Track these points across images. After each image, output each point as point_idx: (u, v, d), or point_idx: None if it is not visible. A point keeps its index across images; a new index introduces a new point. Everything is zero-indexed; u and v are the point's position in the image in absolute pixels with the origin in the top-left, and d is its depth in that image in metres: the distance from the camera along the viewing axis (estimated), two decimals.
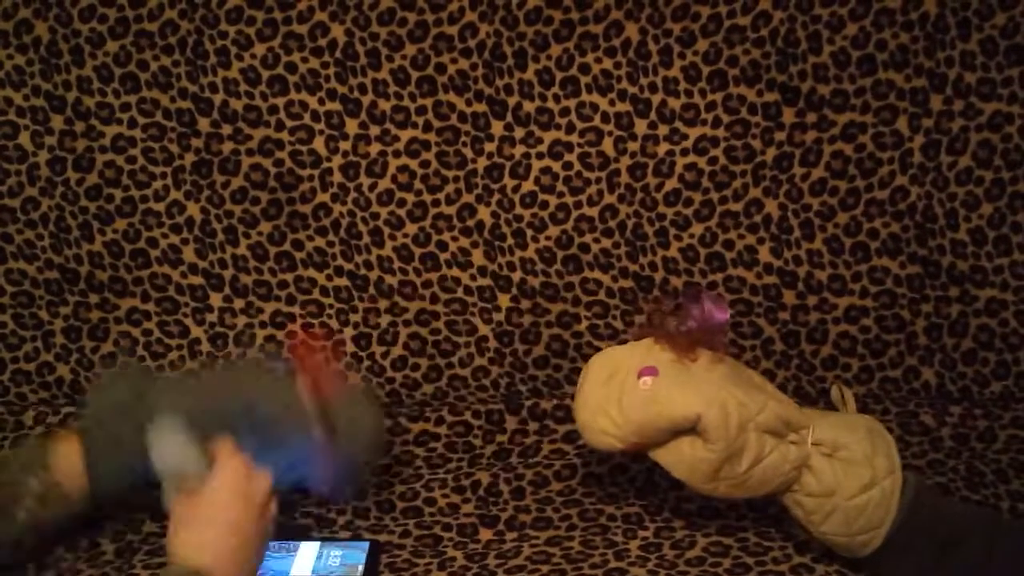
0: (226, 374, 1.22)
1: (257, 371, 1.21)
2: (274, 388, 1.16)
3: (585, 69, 1.31)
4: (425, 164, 1.33)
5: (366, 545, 1.14)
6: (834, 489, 1.07)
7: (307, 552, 1.14)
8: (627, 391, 1.11)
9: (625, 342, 1.21)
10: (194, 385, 1.21)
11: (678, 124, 1.31)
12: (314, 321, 1.36)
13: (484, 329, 1.37)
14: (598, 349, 1.33)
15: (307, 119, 1.32)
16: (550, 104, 1.31)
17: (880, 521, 1.07)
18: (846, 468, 1.08)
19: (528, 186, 1.34)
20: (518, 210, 1.34)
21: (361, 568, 1.12)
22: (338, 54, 1.30)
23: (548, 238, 1.34)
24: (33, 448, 1.17)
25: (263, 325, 1.37)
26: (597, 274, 1.35)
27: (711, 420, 1.07)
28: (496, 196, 1.34)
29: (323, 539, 1.16)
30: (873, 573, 1.10)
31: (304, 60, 1.30)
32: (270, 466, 1.07)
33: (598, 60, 1.30)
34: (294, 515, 1.21)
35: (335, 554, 1.13)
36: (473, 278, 1.36)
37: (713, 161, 1.32)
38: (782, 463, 1.08)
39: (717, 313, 1.12)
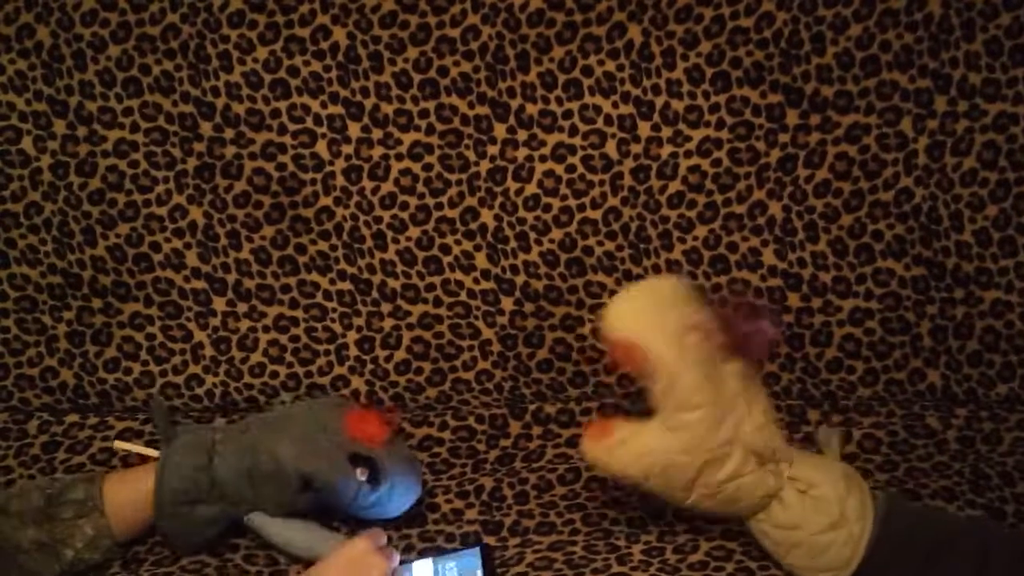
0: (277, 429, 1.19)
1: (306, 423, 1.20)
2: (325, 445, 1.17)
3: (588, 71, 1.30)
4: (428, 167, 1.33)
5: (478, 550, 1.13)
6: (799, 524, 1.08)
7: (422, 571, 1.12)
8: (674, 318, 1.09)
9: None
10: (251, 447, 1.18)
11: (681, 126, 1.31)
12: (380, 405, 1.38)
13: (488, 332, 1.37)
14: (602, 352, 1.33)
15: (309, 123, 1.32)
16: (553, 107, 1.31)
17: (845, 562, 1.07)
18: (816, 505, 1.08)
19: (531, 189, 1.33)
20: (521, 213, 1.34)
21: (480, 573, 1.11)
22: (340, 57, 1.30)
23: (551, 241, 1.34)
24: (90, 486, 1.16)
25: (266, 329, 1.37)
26: (601, 277, 1.35)
27: (703, 419, 1.07)
28: (499, 199, 1.34)
29: (433, 554, 1.14)
30: None
31: (306, 64, 1.30)
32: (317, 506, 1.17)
33: (601, 62, 1.30)
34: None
35: (450, 566, 1.11)
36: (476, 281, 1.35)
37: (717, 163, 1.31)
38: (756, 487, 1.09)
39: (768, 337, 1.12)
